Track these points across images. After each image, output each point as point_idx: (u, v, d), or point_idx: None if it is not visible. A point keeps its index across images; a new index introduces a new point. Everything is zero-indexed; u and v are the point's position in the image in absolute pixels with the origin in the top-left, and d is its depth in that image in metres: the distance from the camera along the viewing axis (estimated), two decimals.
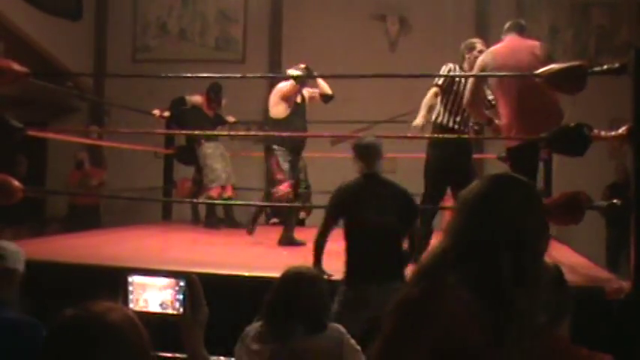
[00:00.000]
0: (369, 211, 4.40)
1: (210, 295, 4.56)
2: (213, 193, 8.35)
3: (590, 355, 2.11)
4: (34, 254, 4.84)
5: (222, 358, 3.29)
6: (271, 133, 7.24)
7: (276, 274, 3.24)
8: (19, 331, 2.81)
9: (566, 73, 4.82)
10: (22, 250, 3.24)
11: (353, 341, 3.10)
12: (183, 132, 7.99)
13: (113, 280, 4.77)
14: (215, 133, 8.06)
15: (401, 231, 4.49)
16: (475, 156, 10.54)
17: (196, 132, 8.06)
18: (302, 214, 9.30)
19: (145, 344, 1.57)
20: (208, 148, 8.52)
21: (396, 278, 4.17)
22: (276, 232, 8.51)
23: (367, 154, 4.68)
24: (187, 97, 8.73)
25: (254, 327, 3.11)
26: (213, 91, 8.68)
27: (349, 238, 4.47)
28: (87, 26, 11.90)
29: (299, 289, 3.10)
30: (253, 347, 3.03)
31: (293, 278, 3.15)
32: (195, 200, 8.62)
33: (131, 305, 4.14)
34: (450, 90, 6.28)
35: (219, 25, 11.90)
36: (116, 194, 10.58)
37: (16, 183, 5.26)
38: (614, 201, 4.79)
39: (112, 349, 1.50)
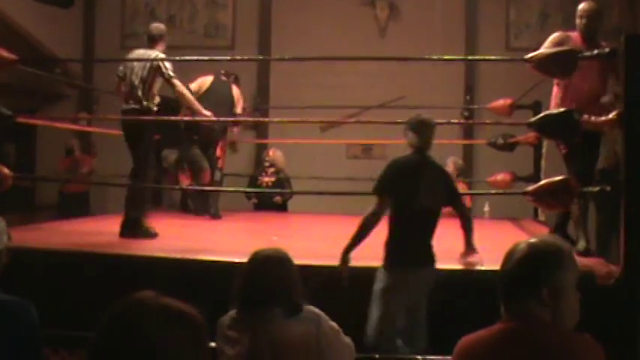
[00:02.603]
0: (420, 192, 4.30)
1: (202, 281, 4.58)
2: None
3: (579, 336, 2.12)
4: (25, 242, 4.83)
5: (212, 344, 3.29)
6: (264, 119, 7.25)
7: None
8: (9, 311, 2.79)
9: (557, 57, 4.83)
10: (2, 223, 2.98)
11: (332, 322, 3.08)
12: (173, 118, 7.95)
13: (105, 267, 4.79)
14: (209, 119, 8.01)
15: (439, 214, 4.45)
16: (465, 142, 10.65)
17: (186, 118, 8.02)
18: (277, 199, 9.37)
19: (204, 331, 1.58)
20: (166, 152, 8.60)
21: (430, 263, 4.28)
22: (260, 218, 8.54)
23: (424, 131, 4.53)
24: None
25: (229, 315, 3.09)
26: None
27: (396, 219, 4.35)
28: (76, 13, 11.82)
29: (269, 272, 3.07)
30: (231, 335, 3.01)
31: (262, 262, 3.12)
32: (184, 187, 8.58)
33: None
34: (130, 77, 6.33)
35: (208, 11, 11.85)
36: (106, 181, 10.56)
37: (6, 170, 5.24)
38: (604, 186, 4.81)
39: (175, 333, 1.51)
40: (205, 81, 8.36)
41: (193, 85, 8.21)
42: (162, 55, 6.38)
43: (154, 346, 1.48)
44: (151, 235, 6.06)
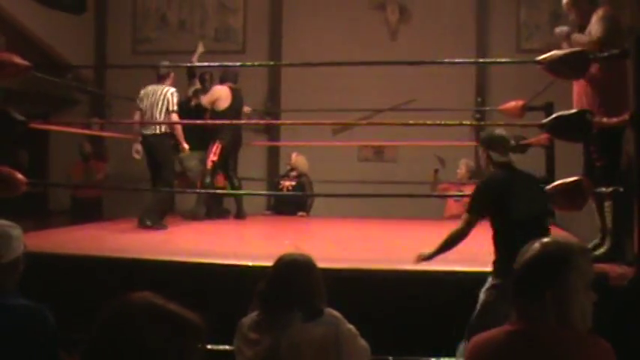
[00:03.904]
0: (515, 205, 4.23)
1: (215, 285, 4.59)
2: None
3: (588, 339, 2.10)
4: (38, 247, 4.86)
5: (227, 347, 3.31)
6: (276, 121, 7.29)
7: None
8: (26, 316, 2.82)
9: (568, 59, 4.80)
10: (18, 230, 3.04)
11: (350, 326, 3.10)
12: (184, 122, 7.98)
13: (118, 272, 4.80)
14: (218, 122, 8.04)
15: (546, 221, 4.37)
16: (476, 143, 10.61)
17: (198, 122, 8.05)
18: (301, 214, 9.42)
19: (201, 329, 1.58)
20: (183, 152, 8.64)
21: None
22: (275, 222, 8.55)
23: (502, 144, 4.49)
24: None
25: (250, 317, 3.11)
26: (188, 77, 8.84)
27: (498, 235, 4.26)
28: (87, 19, 11.89)
29: (295, 276, 3.09)
30: (251, 337, 3.03)
31: (288, 266, 3.14)
32: (198, 190, 8.60)
33: None
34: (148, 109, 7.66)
35: (219, 15, 11.89)
36: (120, 186, 10.62)
37: (20, 176, 5.27)
38: (618, 187, 4.78)
39: (162, 333, 1.52)
40: (223, 94, 8.31)
41: (205, 99, 8.31)
42: (172, 90, 7.58)
43: (141, 345, 1.49)
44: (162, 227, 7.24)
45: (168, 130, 7.63)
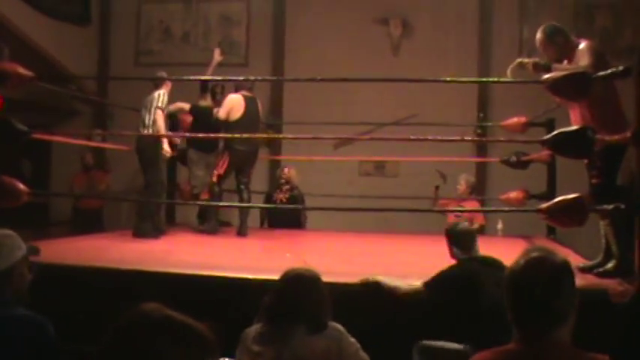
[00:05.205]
0: (482, 293, 3.98)
1: (215, 297, 4.59)
2: (203, 197, 8.46)
3: (587, 356, 2.10)
4: (39, 257, 4.85)
5: (226, 359, 3.30)
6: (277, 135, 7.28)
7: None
8: (27, 327, 2.81)
9: (570, 79, 4.80)
10: (15, 237, 3.02)
11: (352, 339, 3.12)
12: (186, 134, 7.99)
13: (119, 283, 4.80)
14: (221, 135, 8.02)
15: None
16: (478, 159, 10.63)
17: (200, 134, 8.05)
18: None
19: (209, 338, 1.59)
20: (194, 154, 8.59)
21: None
22: (276, 235, 8.55)
23: (466, 240, 4.42)
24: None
25: (254, 329, 3.13)
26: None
27: (466, 317, 4.01)
28: (91, 30, 11.93)
29: (301, 291, 3.12)
30: (254, 349, 3.05)
31: (294, 280, 3.17)
32: (198, 202, 8.59)
33: None
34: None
35: (222, 28, 11.91)
36: (121, 197, 10.62)
37: (22, 186, 5.28)
38: (619, 204, 4.78)
39: (181, 345, 1.52)
40: (237, 104, 8.08)
41: (221, 111, 8.10)
42: (162, 91, 7.70)
43: (155, 357, 1.49)
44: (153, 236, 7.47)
45: (151, 131, 7.60)
